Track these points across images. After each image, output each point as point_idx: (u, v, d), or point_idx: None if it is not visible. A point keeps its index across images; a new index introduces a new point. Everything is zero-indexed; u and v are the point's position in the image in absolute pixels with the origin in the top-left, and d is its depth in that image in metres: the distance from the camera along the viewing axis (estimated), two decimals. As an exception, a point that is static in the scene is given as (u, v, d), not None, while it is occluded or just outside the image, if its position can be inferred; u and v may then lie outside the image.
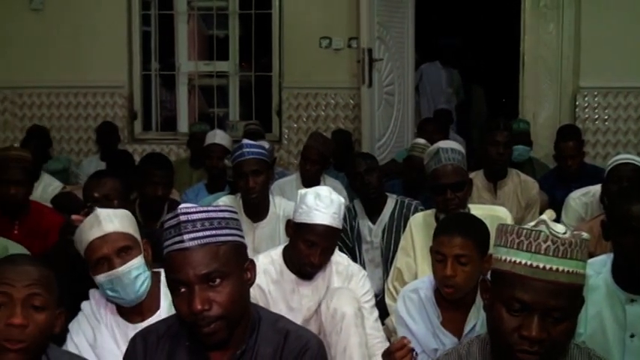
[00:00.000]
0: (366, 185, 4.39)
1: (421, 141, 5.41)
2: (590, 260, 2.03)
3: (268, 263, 3.34)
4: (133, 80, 7.49)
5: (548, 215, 1.87)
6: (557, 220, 2.14)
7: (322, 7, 7.20)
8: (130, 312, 2.73)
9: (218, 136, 5.67)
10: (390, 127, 7.08)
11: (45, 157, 6.51)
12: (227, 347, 2.02)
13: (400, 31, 7.20)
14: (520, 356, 1.83)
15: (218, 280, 1.94)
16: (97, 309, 2.75)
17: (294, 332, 2.10)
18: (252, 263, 2.08)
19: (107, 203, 3.48)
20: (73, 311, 2.77)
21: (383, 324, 3.50)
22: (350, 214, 4.41)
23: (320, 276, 3.35)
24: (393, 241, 4.28)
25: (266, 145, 5.23)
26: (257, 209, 4.24)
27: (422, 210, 4.16)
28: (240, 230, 2.06)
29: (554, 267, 1.80)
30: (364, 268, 3.75)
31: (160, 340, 2.13)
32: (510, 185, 4.99)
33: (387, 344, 3.10)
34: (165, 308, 2.70)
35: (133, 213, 4.31)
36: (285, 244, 3.42)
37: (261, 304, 3.21)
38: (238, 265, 2.01)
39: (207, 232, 1.96)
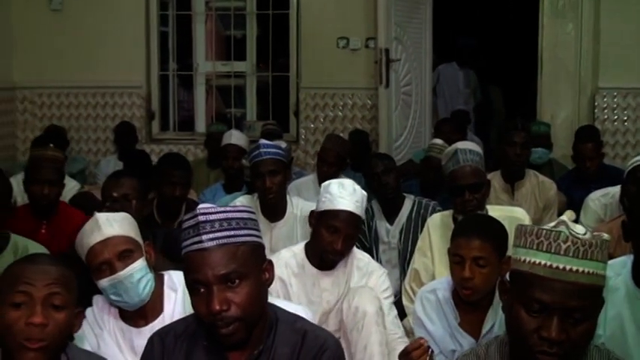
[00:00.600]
0: (384, 186, 4.39)
1: (439, 141, 5.40)
2: (610, 261, 2.02)
3: (290, 257, 3.40)
4: (150, 80, 7.51)
5: (568, 216, 1.86)
6: (576, 221, 2.13)
7: (340, 8, 7.19)
8: (133, 316, 2.72)
9: (234, 137, 5.68)
10: (408, 127, 7.06)
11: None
12: (245, 347, 2.02)
13: (418, 31, 7.18)
14: (539, 357, 1.82)
15: (237, 281, 1.95)
16: (100, 315, 2.74)
17: (311, 332, 2.10)
18: (271, 264, 2.08)
19: (125, 203, 3.50)
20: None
21: (400, 324, 3.51)
22: (367, 215, 4.40)
23: (341, 270, 3.39)
24: (410, 242, 4.27)
25: (283, 144, 5.24)
26: (274, 209, 4.25)
27: (439, 211, 4.15)
28: (259, 231, 2.07)
29: (574, 268, 1.79)
30: (381, 268, 3.76)
31: (178, 340, 2.13)
32: (528, 186, 4.96)
33: (407, 340, 3.11)
34: (169, 311, 2.69)
35: (151, 213, 4.37)
36: (307, 240, 3.46)
37: (282, 296, 3.27)
38: (256, 265, 2.01)
39: (226, 233, 1.96)
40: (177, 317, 2.48)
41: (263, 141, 4.35)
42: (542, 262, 1.82)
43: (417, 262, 3.85)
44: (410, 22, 7.05)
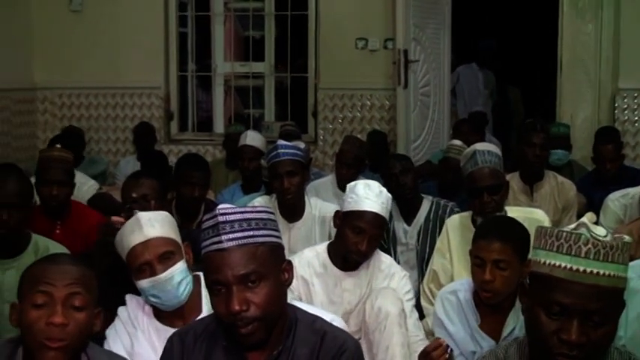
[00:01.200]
0: (401, 186, 4.39)
1: (457, 142, 5.39)
2: (630, 263, 2.00)
3: (313, 256, 3.42)
4: (169, 81, 7.54)
5: (589, 218, 1.85)
6: (597, 223, 2.11)
7: (358, 9, 7.19)
8: (171, 316, 2.73)
9: (249, 138, 5.67)
10: (426, 128, 7.05)
11: (79, 158, 6.58)
12: (264, 348, 2.03)
13: (436, 32, 7.17)
14: (559, 360, 1.81)
15: (256, 281, 1.95)
16: (135, 314, 2.75)
17: (330, 333, 2.10)
18: (290, 264, 2.09)
19: (144, 204, 3.51)
20: (113, 314, 2.78)
21: (419, 325, 3.51)
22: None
23: (363, 271, 3.40)
24: (428, 243, 4.27)
25: (301, 145, 5.24)
26: (292, 210, 4.26)
27: (457, 212, 4.14)
28: (278, 231, 2.07)
29: (595, 270, 1.78)
30: (398, 270, 3.76)
31: (197, 340, 2.14)
32: (547, 187, 4.94)
33: (428, 343, 3.11)
34: (207, 311, 2.69)
35: (170, 213, 4.38)
36: (331, 240, 3.48)
37: (304, 295, 3.28)
38: (276, 265, 2.01)
39: (245, 233, 1.97)
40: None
41: (281, 142, 4.36)
42: (563, 264, 1.81)
43: (436, 263, 3.84)
44: (429, 22, 7.04)
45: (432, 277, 3.83)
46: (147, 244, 2.65)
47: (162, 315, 2.74)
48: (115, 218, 3.17)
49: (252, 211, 2.02)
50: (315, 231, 4.24)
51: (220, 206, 2.04)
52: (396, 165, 4.47)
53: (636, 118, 6.91)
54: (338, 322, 2.61)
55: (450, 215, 4.11)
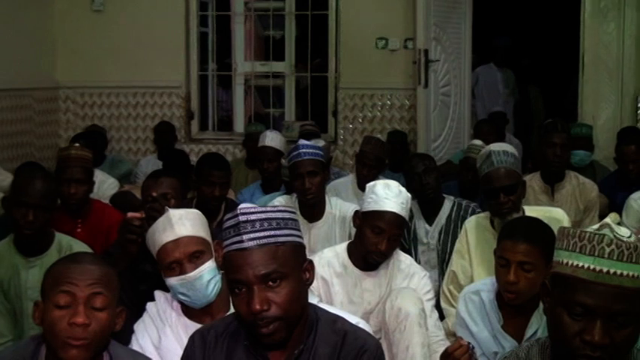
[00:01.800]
0: (424, 186, 4.38)
1: (478, 142, 5.38)
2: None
3: (333, 256, 3.42)
4: (190, 80, 7.56)
5: (612, 218, 1.84)
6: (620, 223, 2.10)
7: (379, 8, 7.18)
8: (199, 313, 2.75)
9: (269, 138, 5.65)
10: (446, 128, 7.04)
11: (101, 157, 6.62)
12: (285, 347, 2.03)
13: (457, 31, 7.15)
14: (582, 361, 1.80)
15: (277, 281, 1.95)
16: (163, 310, 2.76)
17: (352, 333, 2.10)
18: (311, 264, 2.09)
19: (164, 202, 3.51)
20: (137, 310, 2.79)
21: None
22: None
23: (383, 271, 3.40)
24: (449, 244, 4.25)
25: (321, 142, 5.24)
26: (313, 209, 4.26)
27: (479, 212, 4.13)
28: (299, 231, 2.08)
29: (618, 271, 1.77)
30: (419, 270, 3.75)
31: (219, 339, 2.15)
32: (568, 188, 4.91)
33: (448, 343, 3.10)
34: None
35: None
36: (351, 240, 3.47)
37: (324, 295, 3.29)
38: (297, 265, 2.01)
39: (267, 233, 1.97)
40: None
41: (302, 141, 4.36)
42: (586, 265, 1.80)
43: (455, 264, 3.83)
44: (449, 22, 7.02)
45: (452, 278, 3.82)
46: (177, 242, 2.67)
47: (190, 312, 2.76)
48: (130, 214, 3.18)
49: (273, 211, 2.03)
50: (335, 231, 4.24)
51: (241, 206, 2.04)
52: (419, 164, 4.46)
53: (659, 119, 6.87)
54: (363, 324, 2.61)
55: (471, 216, 4.10)
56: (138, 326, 2.76)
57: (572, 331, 1.80)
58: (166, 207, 2.83)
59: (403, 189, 3.37)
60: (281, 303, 1.95)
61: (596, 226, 1.84)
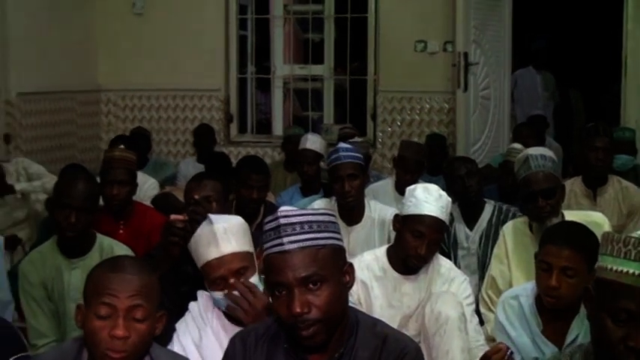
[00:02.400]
0: (467, 189, 4.35)
1: (518, 146, 5.33)
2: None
3: (372, 260, 3.41)
4: (229, 83, 7.61)
5: (658, 224, 1.83)
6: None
7: (418, 11, 7.17)
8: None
9: (309, 141, 5.66)
10: (486, 131, 7.00)
11: (144, 159, 6.69)
12: (325, 350, 2.03)
13: (497, 34, 7.11)
14: (626, 367, 1.79)
15: (317, 284, 1.95)
16: (205, 310, 2.76)
17: (392, 336, 2.10)
18: (351, 267, 2.08)
19: (207, 205, 3.52)
20: (179, 311, 2.81)
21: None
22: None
23: (422, 275, 3.38)
24: (490, 248, 4.20)
25: (359, 139, 5.22)
26: (352, 213, 4.26)
27: (520, 217, 4.09)
28: (339, 234, 2.07)
29: (664, 277, 1.76)
30: (458, 274, 3.73)
31: (259, 342, 2.15)
32: (611, 192, 4.85)
33: (488, 348, 3.09)
34: None
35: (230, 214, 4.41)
36: (390, 243, 3.46)
37: (363, 299, 3.28)
38: (337, 268, 2.01)
39: (307, 236, 1.98)
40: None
41: (342, 144, 4.36)
42: (630, 270, 1.78)
43: (494, 269, 3.81)
44: (489, 25, 6.98)
45: (491, 283, 3.80)
46: (222, 259, 2.64)
47: (230, 315, 2.76)
48: (173, 217, 3.20)
49: (313, 214, 2.03)
50: (374, 234, 4.23)
51: (282, 208, 2.04)
52: (461, 167, 4.43)
53: (703, 122, 6.76)
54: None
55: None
56: (180, 325, 2.77)
57: (616, 337, 1.79)
58: (209, 214, 2.80)
59: (443, 193, 3.36)
60: (321, 306, 1.95)
61: (640, 232, 1.83)
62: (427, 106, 7.30)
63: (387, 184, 5.42)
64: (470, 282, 3.53)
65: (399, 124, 7.37)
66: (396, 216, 3.43)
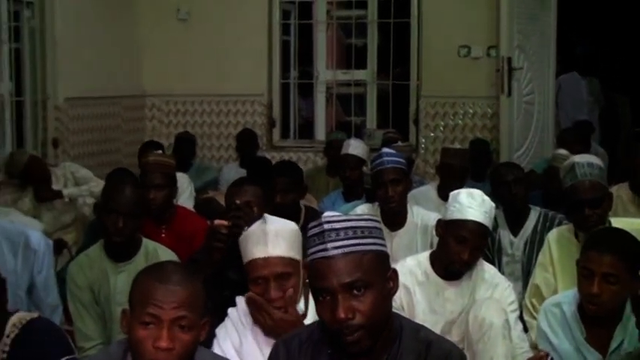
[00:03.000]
0: (513, 196, 4.33)
1: (563, 152, 5.28)
2: None
3: (415, 265, 3.40)
4: (272, 89, 7.64)
5: None
6: None
7: (461, 16, 7.14)
8: None
9: (352, 147, 5.63)
10: (530, 137, 6.95)
11: (187, 163, 6.75)
12: (369, 356, 2.02)
13: (541, 39, 7.06)
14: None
15: (362, 289, 1.95)
16: (244, 315, 2.78)
17: (436, 342, 2.09)
18: (395, 272, 2.08)
19: (248, 210, 3.53)
20: (220, 315, 2.83)
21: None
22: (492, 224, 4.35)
23: (465, 281, 3.37)
24: (534, 255, 4.16)
25: (402, 144, 5.20)
26: (395, 218, 4.25)
27: (566, 224, 4.05)
28: (383, 239, 2.07)
29: None
30: (503, 281, 3.71)
31: (302, 347, 2.15)
32: (659, 198, 4.78)
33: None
34: (312, 318, 2.67)
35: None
36: (433, 249, 3.46)
37: (405, 303, 3.27)
38: (381, 274, 2.01)
39: (351, 241, 1.98)
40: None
41: (386, 149, 4.36)
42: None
43: (538, 277, 3.78)
44: (533, 30, 6.94)
45: (534, 291, 3.77)
46: (268, 260, 2.66)
47: None
48: (217, 222, 3.22)
49: (357, 219, 2.03)
50: (417, 239, 4.22)
51: (326, 214, 2.05)
52: (508, 173, 4.40)
53: None
54: None
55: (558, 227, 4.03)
56: (220, 330, 2.79)
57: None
58: (266, 214, 2.81)
59: (487, 198, 3.34)
60: (365, 311, 1.95)
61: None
62: (470, 111, 7.27)
63: (430, 189, 5.40)
64: (514, 289, 3.51)
65: (441, 129, 7.34)
66: (439, 221, 3.42)
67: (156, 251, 3.56)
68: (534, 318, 3.59)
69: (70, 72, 6.40)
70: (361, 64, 7.76)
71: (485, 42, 7.07)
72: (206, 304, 2.23)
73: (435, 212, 4.34)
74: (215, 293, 2.99)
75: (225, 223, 3.20)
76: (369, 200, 4.75)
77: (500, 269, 4.20)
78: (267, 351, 2.49)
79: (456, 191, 3.39)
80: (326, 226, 1.99)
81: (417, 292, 3.36)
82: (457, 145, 5.87)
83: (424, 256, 3.45)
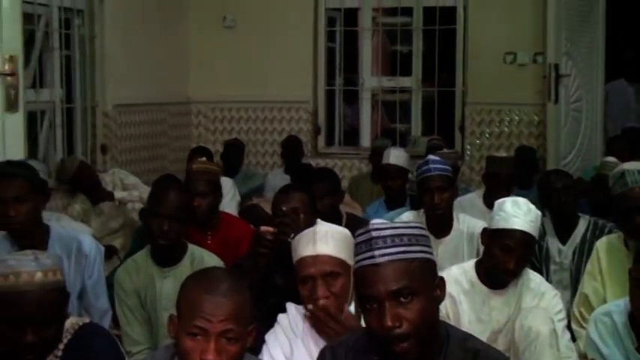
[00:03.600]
0: (562, 204, 4.29)
1: (612, 159, 5.22)
2: None
3: (460, 274, 3.39)
4: (317, 95, 7.67)
5: None
6: None
7: (507, 23, 7.10)
8: None
9: (392, 156, 5.58)
10: (577, 144, 6.88)
11: (235, 170, 6.80)
12: (416, 364, 2.02)
13: (589, 45, 6.98)
14: None
15: (409, 297, 1.95)
16: (295, 322, 2.79)
17: (483, 352, 2.08)
18: (442, 280, 2.08)
19: (294, 217, 3.54)
20: (267, 322, 2.84)
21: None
22: (539, 233, 4.30)
23: (511, 290, 3.35)
24: (584, 264, 4.12)
25: (447, 151, 5.16)
26: (441, 225, 4.23)
27: (616, 233, 4.01)
28: (430, 247, 2.07)
29: None
30: (550, 289, 3.67)
31: (349, 354, 2.16)
32: None
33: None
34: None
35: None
36: (479, 257, 3.45)
37: (451, 313, 3.26)
38: (428, 282, 2.01)
39: (398, 249, 1.98)
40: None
41: (432, 156, 4.34)
42: None
43: (587, 286, 3.74)
44: (581, 36, 6.86)
45: (583, 300, 3.74)
46: (316, 258, 2.68)
47: None
48: (263, 228, 3.23)
49: (405, 227, 2.03)
50: (462, 247, 4.20)
51: (373, 221, 2.08)
52: (556, 181, 4.37)
53: None
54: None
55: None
56: (269, 337, 2.80)
57: None
58: (319, 219, 2.83)
59: (532, 206, 3.31)
60: (412, 319, 1.94)
61: None
62: (516, 118, 7.22)
63: (475, 197, 5.37)
64: (562, 298, 3.47)
65: (487, 136, 7.30)
66: (485, 230, 3.40)
67: (202, 257, 3.59)
68: (583, 327, 3.56)
69: (119, 79, 6.48)
70: (406, 71, 7.74)
71: (532, 48, 7.02)
72: (253, 312, 2.24)
73: (481, 220, 4.32)
74: (262, 299, 3.01)
75: (270, 229, 3.22)
76: (413, 207, 4.73)
77: (547, 277, 4.17)
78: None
79: (501, 200, 3.37)
80: (374, 234, 1.99)
81: (463, 301, 3.35)
82: (502, 153, 5.81)
83: (470, 265, 3.44)
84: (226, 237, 4.24)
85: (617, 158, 5.20)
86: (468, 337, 2.14)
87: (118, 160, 6.50)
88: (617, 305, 2.96)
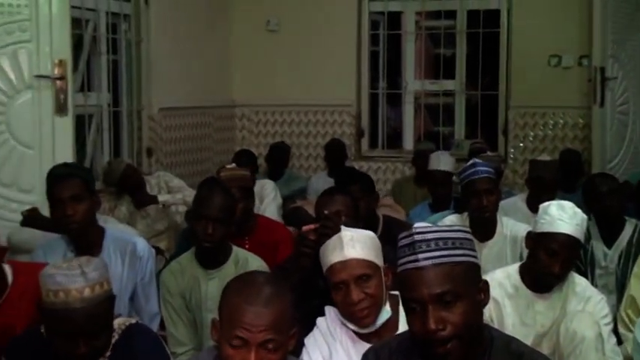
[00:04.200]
0: (608, 208, 4.26)
1: (659, 163, 5.16)
2: None
3: (504, 277, 3.38)
4: (361, 99, 7.68)
5: None
6: None
7: (552, 25, 7.05)
8: (367, 333, 2.76)
9: (442, 162, 5.59)
10: (623, 148, 6.80)
11: (280, 172, 6.83)
12: (460, 367, 2.02)
13: (636, 47, 6.89)
14: None
15: (452, 301, 1.94)
16: (333, 326, 2.79)
17: (528, 355, 2.07)
18: (486, 284, 2.07)
19: (337, 220, 3.54)
20: (309, 324, 2.86)
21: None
22: (584, 237, 4.28)
23: (556, 294, 3.33)
24: (630, 268, 4.09)
25: (490, 154, 5.14)
26: (485, 228, 4.21)
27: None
28: (474, 251, 2.06)
29: None
30: (595, 294, 3.65)
31: (392, 356, 2.16)
32: None
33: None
34: (403, 329, 2.69)
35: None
36: (522, 261, 3.43)
37: (495, 316, 3.25)
38: (472, 285, 2.01)
39: (442, 252, 1.97)
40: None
41: (478, 160, 4.33)
42: None
43: (634, 289, 3.70)
44: (627, 38, 6.78)
45: (630, 303, 3.70)
46: (345, 263, 2.70)
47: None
48: (306, 228, 3.25)
49: (448, 230, 2.03)
50: (506, 251, 4.17)
51: (417, 225, 2.05)
52: (602, 185, 4.34)
53: None
54: None
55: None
56: (308, 340, 2.80)
57: None
58: (342, 226, 2.86)
59: (578, 210, 3.29)
60: (456, 323, 1.94)
61: None
62: (561, 121, 7.16)
63: (518, 200, 5.33)
64: (607, 302, 3.45)
65: (531, 139, 7.26)
66: (529, 233, 3.39)
67: (246, 259, 3.61)
68: (630, 330, 3.53)
69: (164, 83, 6.56)
70: (450, 74, 7.73)
71: (577, 51, 6.97)
72: (294, 316, 2.25)
73: (524, 224, 4.30)
74: (304, 301, 3.02)
75: (312, 227, 3.23)
76: (457, 210, 4.72)
77: (592, 281, 4.14)
78: (359, 363, 2.52)
79: (546, 203, 3.36)
80: (417, 237, 1.99)
81: (507, 305, 3.34)
82: (546, 157, 5.77)
83: (513, 269, 3.43)
84: (264, 241, 4.24)
85: (664, 162, 5.15)
86: (512, 340, 2.13)
87: (163, 163, 6.58)
88: (665, 308, 2.93)
